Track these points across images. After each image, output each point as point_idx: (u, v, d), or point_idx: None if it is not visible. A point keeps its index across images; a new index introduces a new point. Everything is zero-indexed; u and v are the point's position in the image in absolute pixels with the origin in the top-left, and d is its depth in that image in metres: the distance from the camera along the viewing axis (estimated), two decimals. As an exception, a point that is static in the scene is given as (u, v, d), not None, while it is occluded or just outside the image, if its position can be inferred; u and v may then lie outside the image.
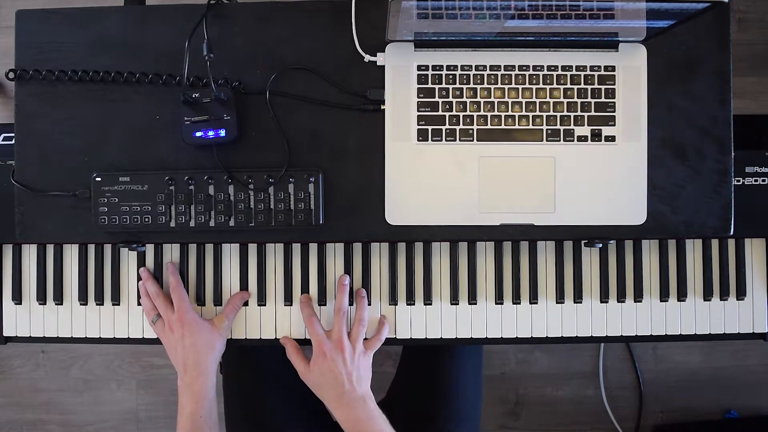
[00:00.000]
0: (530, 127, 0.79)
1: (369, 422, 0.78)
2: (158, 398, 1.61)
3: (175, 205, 0.78)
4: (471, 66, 0.79)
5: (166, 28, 0.80)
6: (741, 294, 0.87)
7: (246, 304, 0.85)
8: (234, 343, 0.86)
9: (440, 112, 0.79)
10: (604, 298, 0.86)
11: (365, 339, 0.83)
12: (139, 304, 0.85)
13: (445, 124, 0.79)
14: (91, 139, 0.80)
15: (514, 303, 0.86)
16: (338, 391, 0.78)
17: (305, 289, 0.86)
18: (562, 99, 0.79)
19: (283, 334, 0.86)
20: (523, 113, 0.79)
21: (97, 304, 0.86)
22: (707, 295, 0.87)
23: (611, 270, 0.86)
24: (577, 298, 0.86)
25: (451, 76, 0.79)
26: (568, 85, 0.79)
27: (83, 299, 0.86)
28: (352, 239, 0.84)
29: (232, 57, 0.80)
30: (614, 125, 0.79)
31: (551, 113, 0.79)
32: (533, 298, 0.86)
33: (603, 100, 0.79)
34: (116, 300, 0.86)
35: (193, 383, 0.79)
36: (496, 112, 0.79)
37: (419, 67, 0.79)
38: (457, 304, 0.86)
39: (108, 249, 0.86)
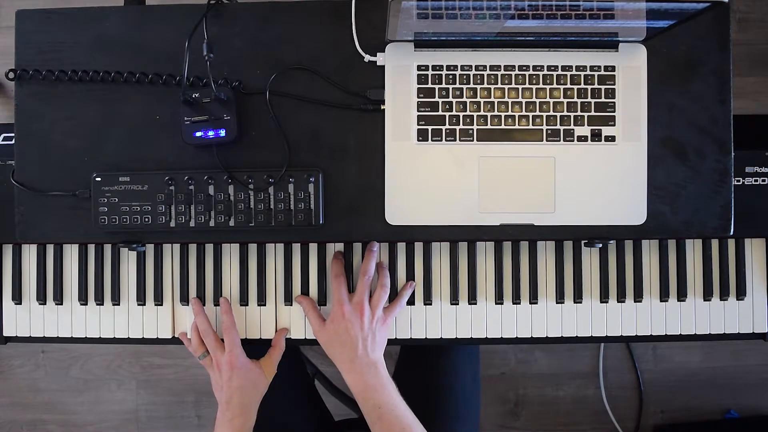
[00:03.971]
0: (530, 127, 0.79)
1: (378, 388, 0.78)
2: (158, 398, 1.61)
3: (175, 205, 0.78)
4: (471, 66, 0.79)
5: (166, 28, 0.80)
6: (741, 294, 0.87)
7: (247, 303, 0.86)
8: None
9: (440, 112, 0.79)
10: (604, 298, 0.86)
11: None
12: (139, 304, 0.86)
13: (445, 124, 0.79)
14: (91, 139, 0.80)
15: (514, 303, 0.86)
16: (351, 354, 0.78)
17: (305, 289, 0.86)
18: (562, 99, 0.79)
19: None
20: (523, 113, 0.79)
21: (97, 304, 0.86)
22: (707, 295, 0.87)
23: (611, 270, 0.86)
24: (577, 298, 0.86)
25: (451, 76, 0.79)
26: (568, 85, 0.79)
27: (83, 299, 0.86)
28: (352, 239, 0.84)
29: (232, 57, 0.79)
30: (614, 125, 0.79)
31: (551, 113, 0.79)
32: (533, 298, 0.86)
33: (603, 100, 0.79)
34: (116, 300, 0.86)
35: (234, 419, 0.80)
36: (496, 112, 0.79)
37: (419, 67, 0.79)
38: (457, 304, 0.86)
39: (108, 249, 0.86)
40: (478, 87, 0.79)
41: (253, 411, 0.82)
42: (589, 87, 0.79)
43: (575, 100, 0.79)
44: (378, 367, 0.79)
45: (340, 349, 0.79)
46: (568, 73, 0.79)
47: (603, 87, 0.79)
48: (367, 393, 0.78)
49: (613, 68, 0.79)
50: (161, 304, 0.86)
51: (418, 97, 0.79)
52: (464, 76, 0.79)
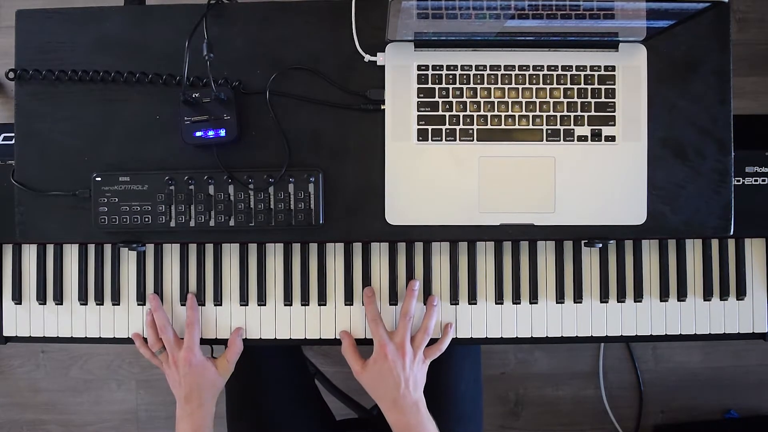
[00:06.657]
0: (530, 127, 0.79)
1: (420, 428, 0.79)
2: (158, 398, 1.61)
3: (175, 205, 0.78)
4: (471, 66, 0.79)
5: (166, 28, 0.80)
6: (741, 294, 0.87)
7: (246, 303, 0.86)
8: (234, 343, 0.86)
9: (440, 112, 0.79)
10: (604, 298, 0.86)
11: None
12: (139, 304, 0.85)
13: (445, 124, 0.79)
14: (91, 139, 0.80)
15: (514, 303, 0.86)
16: (394, 394, 0.79)
17: (305, 288, 0.86)
18: (562, 99, 0.79)
19: (283, 335, 0.85)
20: (523, 113, 0.79)
21: (97, 304, 0.86)
22: (707, 295, 0.87)
23: (611, 270, 0.86)
24: (577, 298, 0.86)
25: (451, 76, 0.79)
26: (568, 85, 0.79)
27: (83, 299, 0.86)
28: (352, 239, 0.84)
29: (232, 57, 0.80)
30: (614, 125, 0.79)
31: (551, 113, 0.79)
32: (533, 298, 0.86)
33: (603, 100, 0.79)
34: (116, 300, 0.86)
35: (193, 413, 0.81)
36: (496, 112, 0.79)
37: (419, 67, 0.79)
38: (457, 304, 0.86)
39: (108, 249, 0.86)
40: (478, 87, 0.79)
41: (212, 405, 0.83)
42: (589, 87, 0.79)
43: (575, 100, 0.79)
44: (419, 406, 0.80)
45: (383, 390, 0.80)
46: (568, 73, 0.79)
47: (603, 87, 0.79)
48: (407, 430, 0.79)
49: (613, 68, 0.79)
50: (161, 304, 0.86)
51: (418, 97, 0.79)
52: (464, 76, 0.79)
